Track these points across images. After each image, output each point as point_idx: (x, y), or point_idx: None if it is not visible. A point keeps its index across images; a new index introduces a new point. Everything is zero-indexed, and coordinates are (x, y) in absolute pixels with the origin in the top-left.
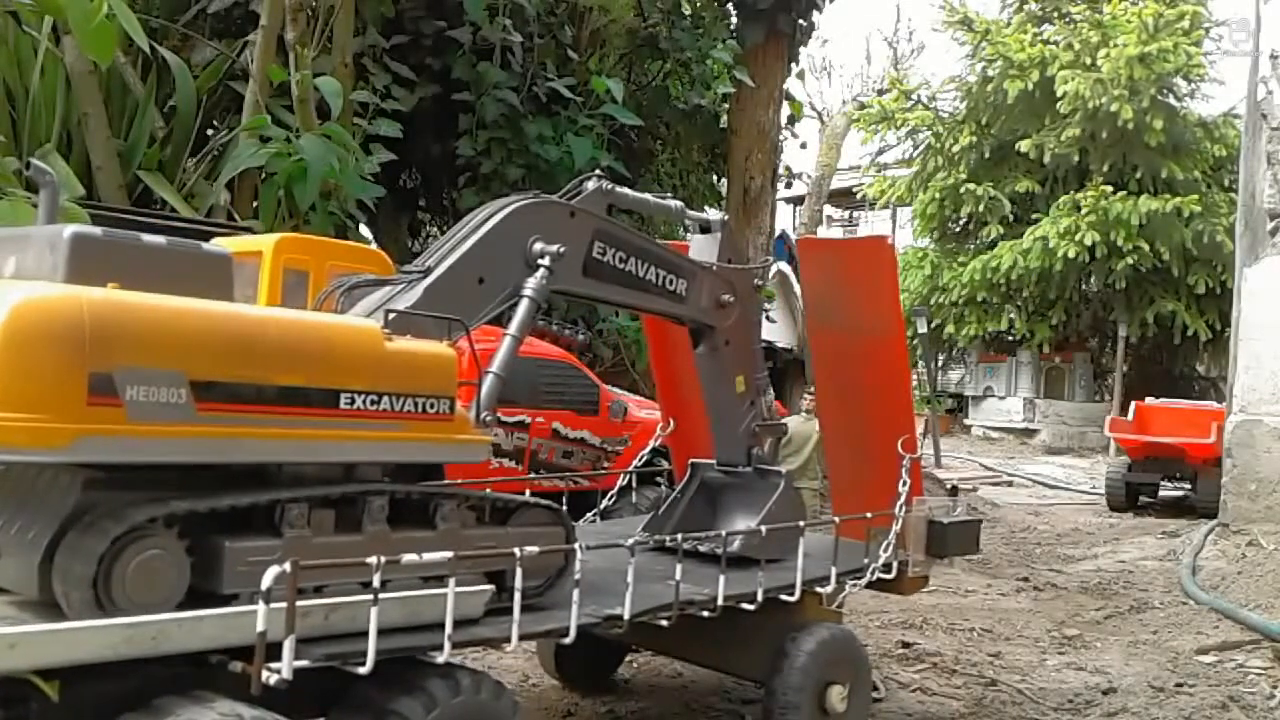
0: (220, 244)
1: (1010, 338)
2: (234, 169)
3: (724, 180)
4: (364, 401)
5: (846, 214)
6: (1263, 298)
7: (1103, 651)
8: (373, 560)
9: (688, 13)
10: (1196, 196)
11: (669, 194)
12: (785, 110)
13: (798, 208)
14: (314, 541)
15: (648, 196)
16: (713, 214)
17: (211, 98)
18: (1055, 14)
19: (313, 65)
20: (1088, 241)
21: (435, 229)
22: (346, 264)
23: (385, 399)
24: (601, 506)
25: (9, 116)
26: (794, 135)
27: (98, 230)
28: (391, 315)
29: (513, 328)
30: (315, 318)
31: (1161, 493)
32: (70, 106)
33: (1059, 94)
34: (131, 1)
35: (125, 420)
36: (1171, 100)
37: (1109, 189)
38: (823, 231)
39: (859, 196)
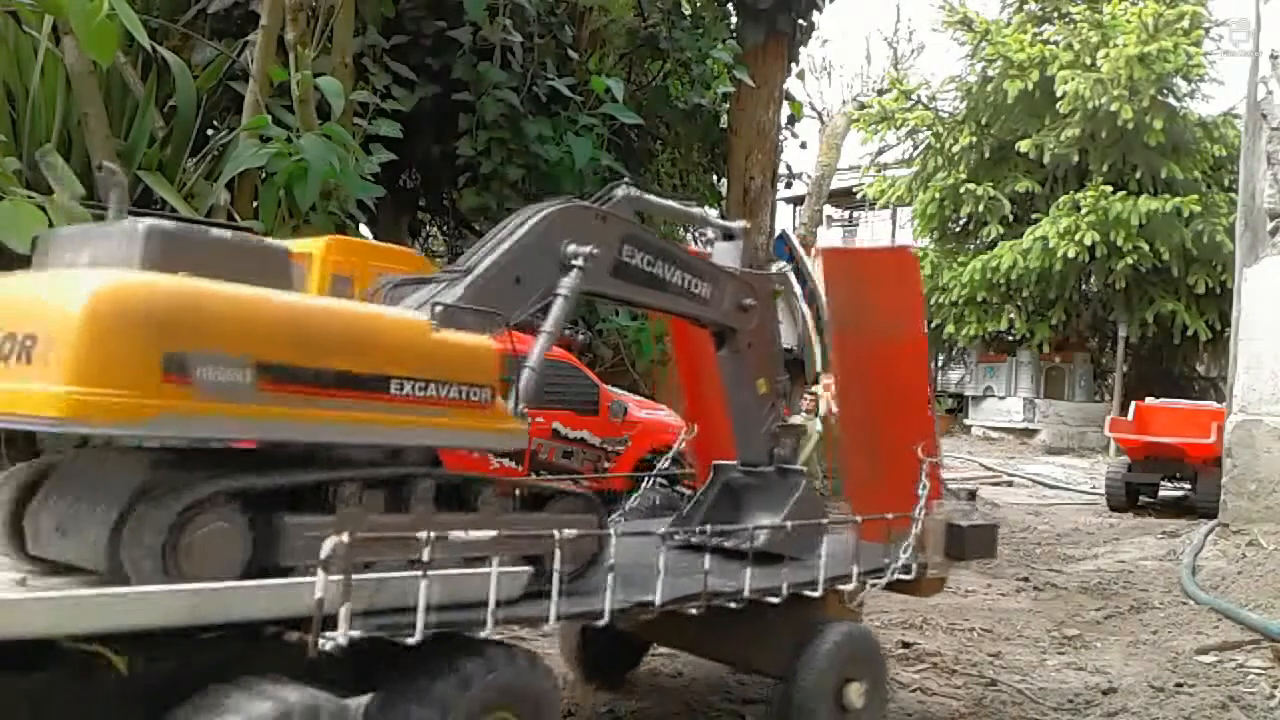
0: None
1: (1010, 338)
2: (234, 169)
3: (724, 180)
4: (411, 388)
5: (846, 214)
6: (1263, 298)
7: (1103, 651)
8: (423, 535)
9: (688, 13)
10: (1196, 196)
11: (694, 201)
12: (785, 110)
13: (798, 208)
14: (366, 520)
15: (674, 203)
16: (736, 222)
17: (211, 98)
18: (1055, 14)
19: (313, 65)
20: (1088, 241)
21: (435, 229)
22: (388, 265)
23: (431, 386)
24: (626, 507)
25: (9, 116)
26: (794, 135)
27: (170, 223)
28: (438, 308)
29: (548, 325)
30: (369, 308)
31: (1161, 493)
32: (70, 106)
33: (1059, 94)
34: (131, 1)
35: (196, 399)
36: (1171, 100)
37: (1109, 189)
38: (822, 231)
39: (859, 196)
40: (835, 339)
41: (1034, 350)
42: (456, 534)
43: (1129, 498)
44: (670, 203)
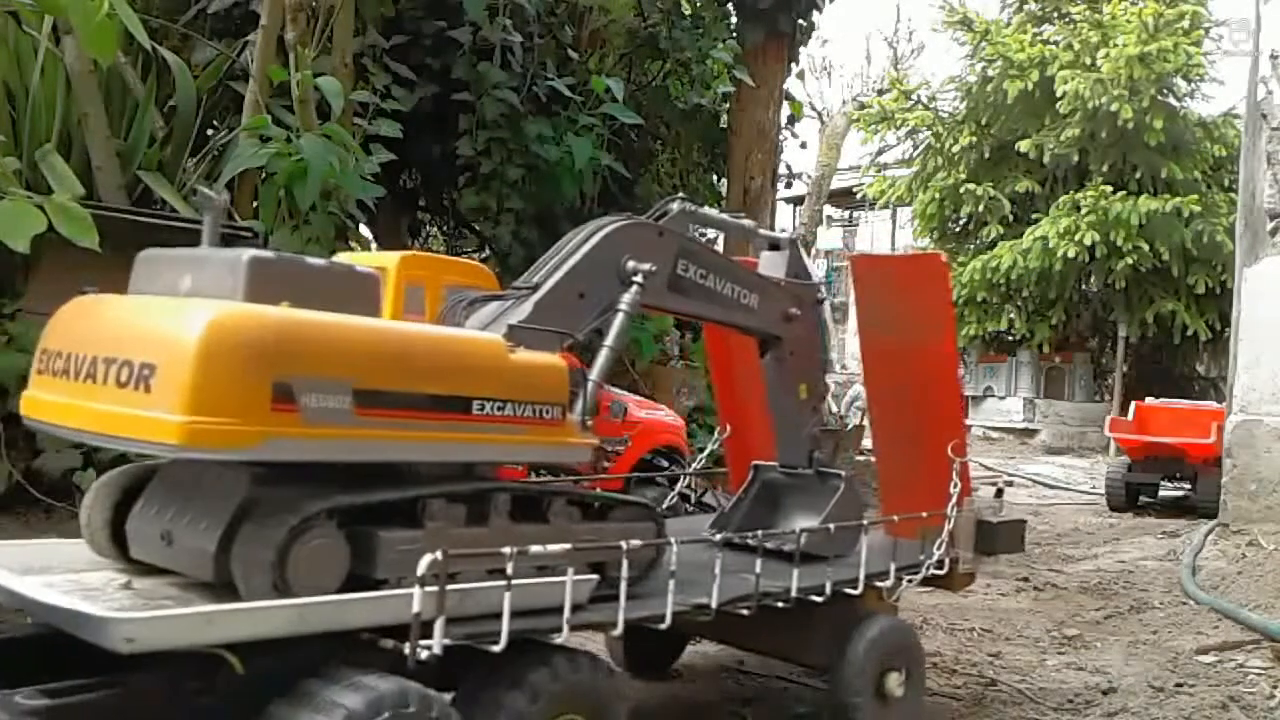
0: (350, 258)
1: (1010, 338)
2: (234, 169)
3: (724, 180)
4: (491, 408)
5: (846, 214)
6: (1263, 298)
7: (1103, 651)
8: (507, 550)
9: (688, 13)
10: (1196, 196)
11: (741, 214)
12: (785, 110)
13: (798, 208)
14: (450, 533)
15: (724, 216)
16: (783, 233)
17: (211, 98)
18: (1055, 14)
19: (313, 65)
20: (1087, 241)
21: (435, 229)
22: (457, 279)
23: (509, 406)
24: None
25: (9, 116)
26: (794, 135)
27: (271, 253)
28: (510, 329)
29: (609, 339)
30: (451, 332)
31: (1161, 493)
32: (70, 106)
33: (1059, 94)
34: (132, 1)
35: (301, 424)
36: (1171, 100)
37: (1109, 189)
38: (822, 231)
39: (859, 196)
40: (865, 344)
41: (1034, 350)
42: (536, 548)
43: (1129, 498)
44: (722, 216)
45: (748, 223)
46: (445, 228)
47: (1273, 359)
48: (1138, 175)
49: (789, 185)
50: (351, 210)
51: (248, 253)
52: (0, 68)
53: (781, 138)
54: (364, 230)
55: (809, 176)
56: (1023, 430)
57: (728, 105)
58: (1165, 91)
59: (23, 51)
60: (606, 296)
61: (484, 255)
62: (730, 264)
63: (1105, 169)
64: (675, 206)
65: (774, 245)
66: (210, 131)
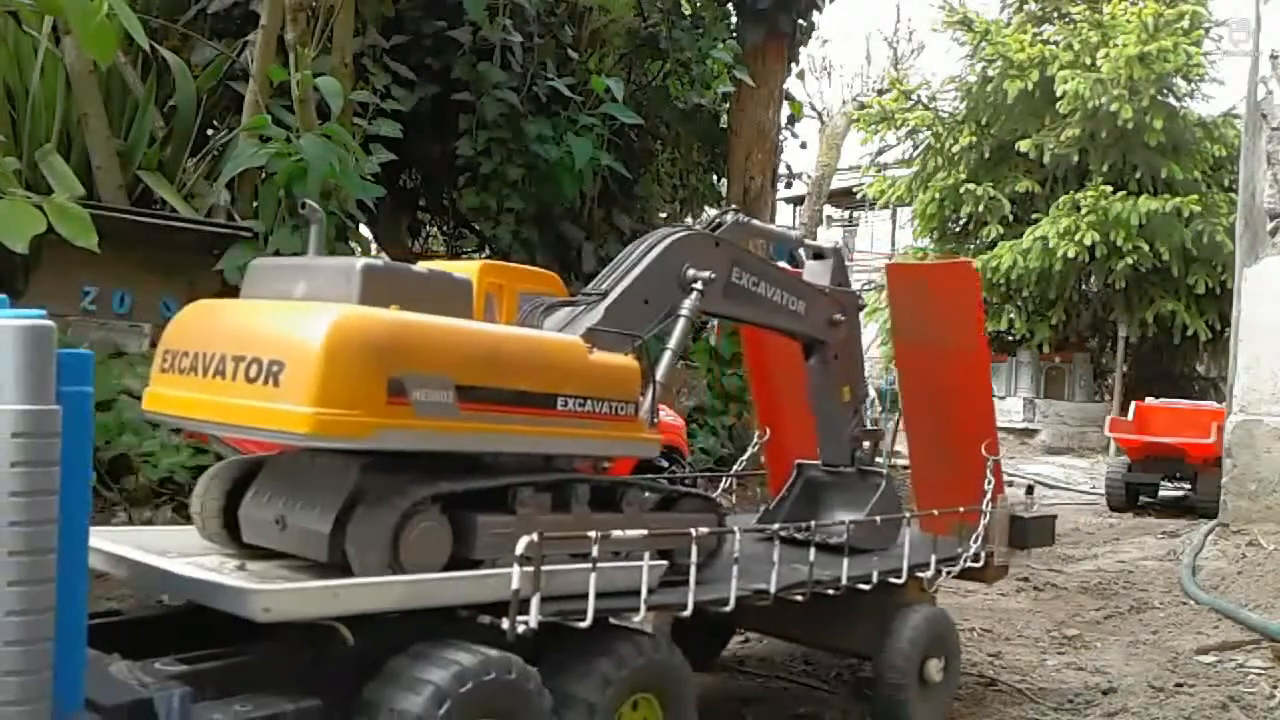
0: (428, 265)
1: (1010, 338)
2: (234, 169)
3: (724, 180)
4: (573, 404)
5: (846, 214)
6: (1263, 298)
7: (1103, 651)
8: (592, 534)
9: (688, 13)
10: (1196, 196)
11: (741, 212)
12: (785, 110)
13: (798, 208)
14: (538, 518)
15: (773, 227)
16: (826, 242)
17: (211, 98)
18: (1055, 14)
19: (313, 65)
20: (1087, 241)
21: (435, 229)
22: (530, 285)
23: (588, 402)
24: None
25: (9, 116)
26: (794, 135)
27: (379, 261)
28: (589, 331)
29: (671, 343)
30: (538, 334)
31: (1161, 493)
32: (70, 106)
33: (1059, 94)
34: (131, 1)
35: (413, 416)
36: (1171, 100)
37: (1109, 189)
38: (822, 231)
39: (859, 196)
40: (899, 348)
41: (1034, 350)
42: (617, 533)
43: (1129, 498)
44: (771, 227)
45: (794, 233)
46: (445, 228)
47: (1273, 359)
48: (1138, 175)
49: (789, 185)
50: (351, 210)
51: (361, 261)
52: (0, 68)
53: (781, 138)
54: (364, 230)
55: (809, 176)
56: (1023, 430)
57: (728, 105)
58: (1165, 91)
59: (23, 51)
60: (668, 302)
61: (484, 255)
62: (779, 272)
63: (1105, 169)
64: (729, 218)
65: (818, 254)
66: (210, 131)
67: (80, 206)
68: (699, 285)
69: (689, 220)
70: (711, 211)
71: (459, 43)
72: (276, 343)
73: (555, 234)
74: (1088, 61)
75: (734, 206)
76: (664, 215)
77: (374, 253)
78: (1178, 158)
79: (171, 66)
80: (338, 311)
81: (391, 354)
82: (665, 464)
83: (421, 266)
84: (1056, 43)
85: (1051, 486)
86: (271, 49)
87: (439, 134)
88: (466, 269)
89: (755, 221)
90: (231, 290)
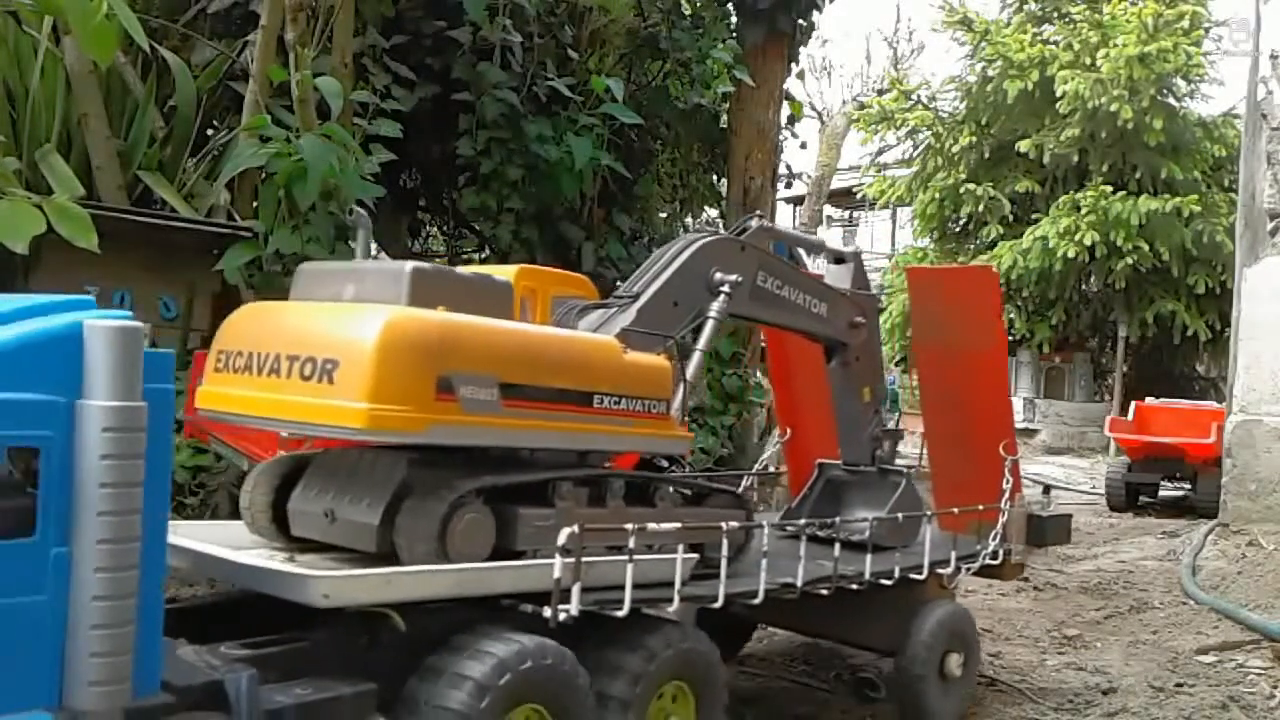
0: (467, 269)
1: (1010, 338)
2: (234, 169)
3: (724, 180)
4: (609, 402)
5: (846, 214)
6: (1263, 298)
7: (1103, 651)
8: (629, 527)
9: (688, 13)
10: (1196, 196)
11: (764, 216)
12: (785, 110)
13: (798, 208)
14: (576, 512)
15: (797, 231)
16: (849, 248)
17: (211, 98)
18: (1055, 14)
19: (313, 65)
20: (1087, 241)
21: (435, 229)
22: (563, 288)
23: (623, 400)
24: None
25: (9, 116)
26: (794, 135)
27: (426, 264)
28: (620, 332)
29: (701, 343)
30: (576, 335)
31: (1161, 493)
32: (70, 106)
33: (1059, 94)
34: (131, 1)
35: (460, 413)
36: (1171, 100)
37: (1109, 189)
38: (822, 231)
39: (859, 196)
40: (918, 350)
41: (1034, 350)
42: (654, 526)
43: (1129, 498)
44: (795, 231)
45: (817, 238)
46: (445, 228)
47: (1273, 359)
48: (1138, 175)
49: (789, 185)
50: (352, 210)
51: (409, 264)
52: (0, 68)
53: (781, 138)
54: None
55: (809, 176)
56: (1023, 430)
57: (727, 105)
58: (1165, 91)
59: (23, 51)
60: (697, 305)
61: (484, 255)
62: (803, 276)
63: (1105, 169)
64: (755, 223)
65: (839, 259)
66: (210, 131)
67: (80, 206)
68: (726, 288)
69: (689, 220)
70: (711, 211)
71: (459, 43)
72: (331, 342)
73: (555, 234)
74: (1088, 61)
75: (759, 212)
76: (664, 215)
77: (374, 253)
78: (1178, 158)
79: (171, 66)
80: (389, 312)
81: (440, 353)
82: (665, 463)
83: (465, 270)
84: (1056, 43)
85: (1052, 486)
86: (271, 49)
87: (439, 134)
88: (502, 272)
89: (779, 227)
90: (232, 290)
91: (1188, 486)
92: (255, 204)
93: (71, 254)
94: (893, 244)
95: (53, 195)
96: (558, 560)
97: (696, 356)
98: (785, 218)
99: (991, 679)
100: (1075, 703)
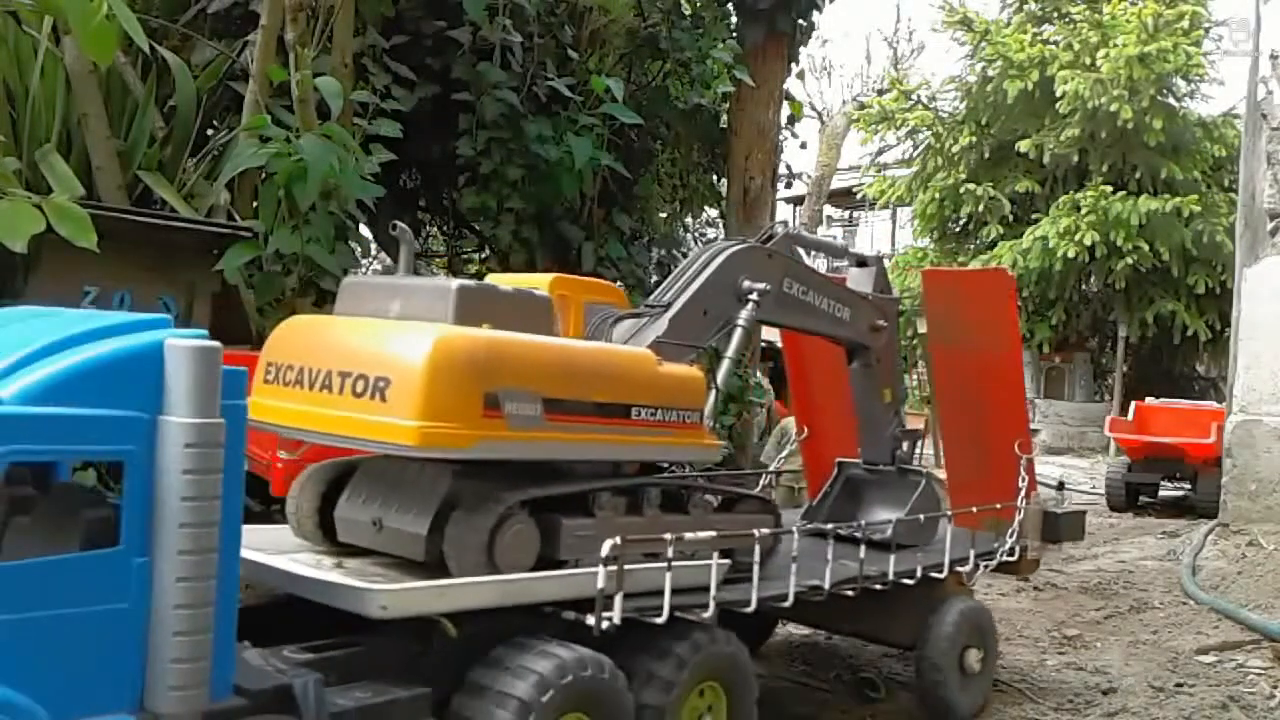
0: (501, 279)
1: None
2: (234, 169)
3: (724, 180)
4: (646, 413)
5: (846, 214)
6: (1262, 298)
7: (1103, 651)
8: (668, 536)
9: (688, 13)
10: (1196, 196)
11: (788, 224)
12: (785, 110)
13: (798, 208)
14: (615, 521)
15: (821, 237)
16: (871, 253)
17: (211, 98)
18: (1055, 14)
19: (313, 65)
20: (1087, 241)
21: (435, 229)
22: (595, 296)
23: (659, 411)
24: None
25: (9, 116)
26: (794, 135)
27: (471, 282)
28: (654, 343)
29: (730, 351)
30: (613, 348)
31: (1161, 493)
32: (70, 106)
33: (1059, 94)
34: (131, 1)
35: (506, 428)
36: (1171, 100)
37: (1109, 189)
38: (822, 231)
39: (859, 196)
40: (934, 351)
41: (1034, 350)
42: (690, 535)
43: (1129, 498)
44: (818, 237)
45: (840, 243)
46: (445, 228)
47: (1273, 359)
48: (1138, 175)
49: (789, 185)
50: (351, 210)
51: (455, 282)
52: (0, 68)
53: (781, 138)
54: (364, 230)
55: (809, 176)
56: None
57: (727, 105)
58: (1165, 91)
59: (23, 51)
60: (726, 312)
61: (484, 255)
62: (827, 281)
63: (1105, 169)
64: (780, 230)
65: (861, 263)
66: (210, 131)
67: (80, 206)
68: (754, 296)
69: (689, 220)
70: (712, 211)
71: (459, 43)
72: (382, 360)
73: (555, 234)
74: (1088, 61)
75: (783, 221)
76: (664, 215)
77: (374, 253)
78: (1178, 158)
79: (171, 66)
80: (439, 331)
81: (487, 370)
82: (665, 464)
83: (505, 285)
84: (1056, 43)
85: (1052, 486)
86: (271, 49)
87: (439, 134)
88: (536, 282)
89: (804, 233)
90: (232, 290)
91: (1188, 486)
92: (255, 204)
93: (71, 254)
94: (893, 244)
95: (52, 195)
96: (601, 569)
97: (725, 365)
98: (785, 217)
99: (992, 679)
100: (1075, 703)
